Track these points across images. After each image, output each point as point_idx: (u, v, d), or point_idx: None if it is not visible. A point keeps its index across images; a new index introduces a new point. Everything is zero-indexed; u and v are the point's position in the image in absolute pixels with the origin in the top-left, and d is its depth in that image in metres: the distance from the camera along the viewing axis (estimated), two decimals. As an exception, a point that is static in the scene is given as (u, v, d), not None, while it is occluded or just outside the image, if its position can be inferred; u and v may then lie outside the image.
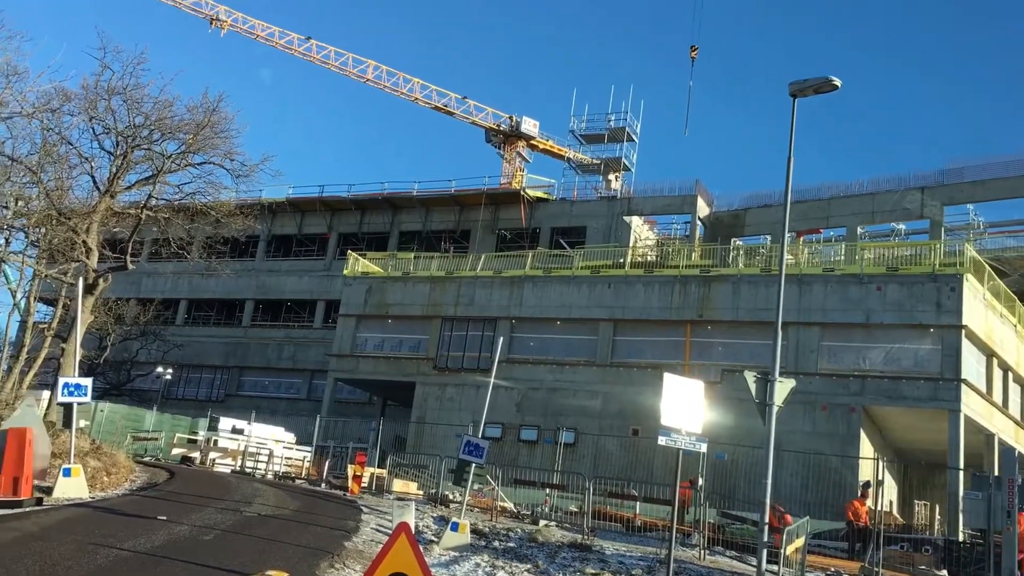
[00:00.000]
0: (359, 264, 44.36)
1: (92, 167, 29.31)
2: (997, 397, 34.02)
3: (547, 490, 26.99)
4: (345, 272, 44.41)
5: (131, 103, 28.36)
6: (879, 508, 22.16)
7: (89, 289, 27.09)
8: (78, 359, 19.63)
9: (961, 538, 26.51)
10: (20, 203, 28.60)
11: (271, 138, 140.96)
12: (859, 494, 24.57)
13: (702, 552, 19.32)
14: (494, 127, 60.95)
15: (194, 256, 34.65)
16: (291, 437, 38.98)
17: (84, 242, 27.88)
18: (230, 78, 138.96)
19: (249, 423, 36.71)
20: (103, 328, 47.06)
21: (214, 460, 35.18)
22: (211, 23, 61.75)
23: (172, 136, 29.46)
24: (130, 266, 30.85)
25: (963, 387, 30.32)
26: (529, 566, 14.48)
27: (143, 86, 28.44)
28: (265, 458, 33.98)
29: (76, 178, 30.09)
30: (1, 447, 15.04)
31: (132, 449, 33.49)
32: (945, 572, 19.51)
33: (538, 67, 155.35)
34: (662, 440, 12.98)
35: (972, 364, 32.04)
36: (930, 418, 31.55)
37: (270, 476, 32.27)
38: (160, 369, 51.30)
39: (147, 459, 33.31)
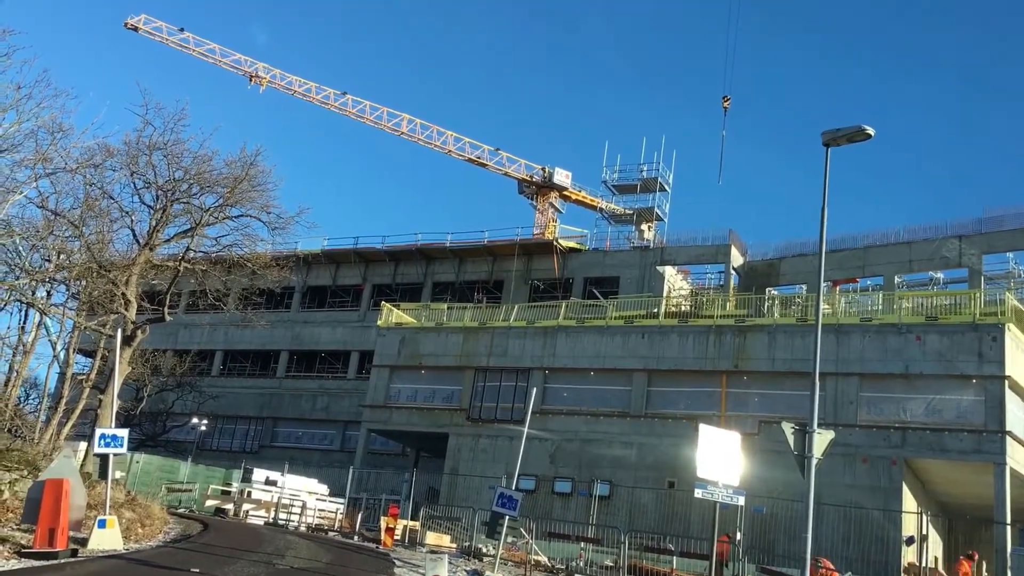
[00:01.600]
0: (393, 315, 44.55)
1: (132, 221, 29.96)
2: (1043, 449, 33.12)
3: (582, 544, 26.59)
4: (379, 323, 44.60)
5: (171, 158, 29.03)
6: (924, 564, 21.56)
7: (127, 341, 27.47)
8: (115, 410, 19.78)
9: (1009, 596, 25.68)
10: (62, 256, 29.21)
11: (307, 191, 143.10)
12: (967, 554, 23.70)
13: (741, 609, 18.87)
14: (527, 178, 61.38)
15: (230, 307, 35.06)
16: (324, 489, 38.88)
17: (123, 294, 28.33)
18: (267, 132, 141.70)
19: (282, 474, 36.71)
20: (140, 379, 47.57)
21: (247, 512, 35.14)
22: (250, 80, 63.14)
23: (210, 190, 30.05)
24: (167, 318, 31.28)
25: (1008, 439, 29.58)
26: (564, 622, 14.21)
27: (183, 141, 29.15)
28: (298, 510, 33.89)
29: (117, 231, 30.76)
30: (38, 498, 15.13)
31: (166, 500, 33.59)
32: (995, 632, 18.84)
33: (570, 119, 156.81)
34: (699, 493, 12.76)
35: (1017, 415, 31.29)
36: (974, 471, 30.76)
37: (303, 528, 32.14)
38: (195, 420, 51.65)
39: (181, 510, 33.36)
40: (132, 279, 29.05)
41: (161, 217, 29.56)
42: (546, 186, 60.58)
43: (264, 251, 32.36)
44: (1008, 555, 26.55)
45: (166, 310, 30.68)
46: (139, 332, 29.17)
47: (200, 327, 60.17)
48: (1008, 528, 28.02)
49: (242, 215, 30.65)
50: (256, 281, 33.01)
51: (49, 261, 29.53)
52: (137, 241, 30.04)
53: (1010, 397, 30.44)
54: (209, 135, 52.10)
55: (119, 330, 23.22)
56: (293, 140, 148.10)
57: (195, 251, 30.81)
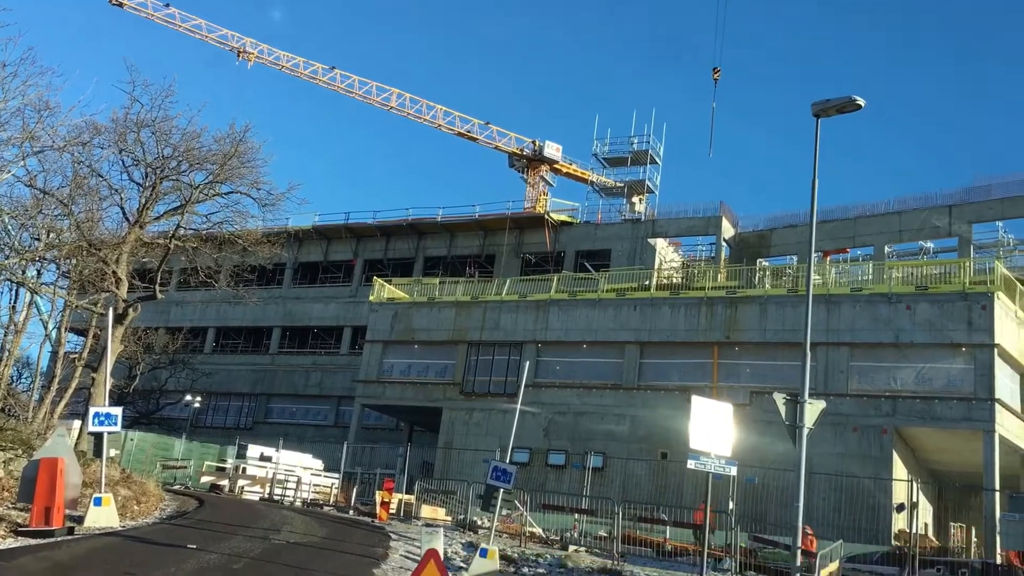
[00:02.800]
0: (385, 290, 44.55)
1: (122, 198, 29.76)
2: (1032, 416, 33.43)
3: (576, 515, 26.79)
4: (371, 298, 44.60)
5: (159, 135, 28.81)
6: (914, 531, 21.80)
7: (119, 319, 27.41)
8: (108, 388, 19.79)
9: (999, 560, 26.00)
10: (52, 235, 29.07)
11: (297, 167, 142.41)
12: None
13: (734, 577, 19.09)
14: (517, 152, 61.18)
15: (222, 284, 34.94)
16: (319, 464, 39.04)
17: (114, 272, 28.24)
18: (256, 109, 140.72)
19: (277, 450, 36.83)
20: (132, 357, 47.54)
21: (242, 488, 35.28)
22: (238, 55, 62.60)
23: (200, 167, 29.86)
24: (159, 295, 31.19)
25: (997, 407, 29.84)
26: (559, 592, 14.37)
27: (171, 118, 28.90)
28: (293, 485, 34.04)
29: (106, 210, 30.57)
30: (33, 477, 15.16)
31: (161, 477, 33.67)
32: (983, 596, 19.12)
33: (560, 92, 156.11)
34: (691, 464, 12.87)
35: (1006, 383, 31.55)
36: (964, 439, 31.06)
37: (298, 503, 32.31)
38: (188, 397, 51.68)
39: (176, 487, 33.47)
40: (123, 257, 28.93)
41: (150, 195, 29.40)
42: (537, 159, 60.43)
43: (255, 228, 32.22)
44: (997, 521, 26.86)
45: (157, 288, 30.58)
46: (131, 310, 29.09)
47: (192, 304, 60.13)
48: (997, 495, 28.35)
49: (232, 192, 30.49)
50: (247, 258, 32.92)
51: (38, 240, 29.37)
52: (127, 219, 29.89)
53: (999, 365, 30.68)
54: (197, 112, 50.98)
55: (110, 308, 23.17)
56: (282, 116, 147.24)
57: (185, 228, 30.68)
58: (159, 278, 30.81)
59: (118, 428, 18.05)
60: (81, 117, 27.56)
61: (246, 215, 31.01)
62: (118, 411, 17.83)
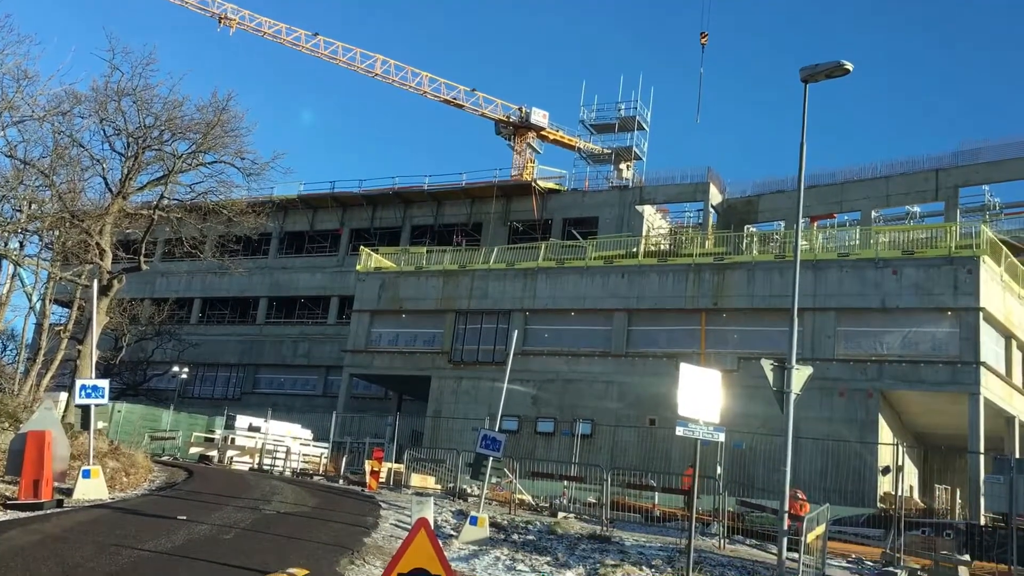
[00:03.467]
0: (372, 259, 44.39)
1: (104, 169, 29.47)
2: (1017, 379, 33.73)
3: (565, 482, 26.93)
4: (358, 268, 44.44)
5: (141, 104, 28.47)
6: (899, 493, 22.02)
7: (104, 290, 27.21)
8: (94, 360, 19.68)
9: (983, 522, 26.34)
10: (33, 206, 28.76)
11: (281, 136, 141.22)
12: None
13: (722, 541, 19.25)
14: (504, 119, 60.79)
15: (207, 255, 34.77)
16: (308, 434, 39.07)
17: (97, 244, 28.00)
18: (238, 77, 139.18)
19: (266, 420, 36.80)
20: (118, 329, 47.33)
21: (232, 458, 35.29)
22: (219, 22, 61.76)
23: (182, 136, 29.56)
24: (144, 267, 30.98)
25: (982, 370, 30.07)
26: (549, 559, 14.45)
27: (152, 87, 28.59)
28: (282, 455, 34.07)
29: (88, 180, 30.26)
30: (21, 450, 15.10)
31: (150, 449, 33.62)
32: (967, 556, 19.34)
33: (546, 58, 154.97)
34: (680, 431, 12.90)
35: (991, 346, 31.77)
36: (949, 402, 31.33)
37: (288, 473, 32.36)
38: (176, 368, 51.55)
39: (165, 458, 33.45)
40: (106, 228, 28.67)
41: (133, 165, 29.08)
42: (523, 126, 60.07)
43: (240, 197, 31.98)
44: (981, 483, 27.15)
45: (142, 259, 30.37)
46: (115, 281, 28.88)
47: (177, 275, 59.81)
48: (981, 457, 28.64)
49: (216, 161, 30.21)
50: (232, 228, 32.67)
51: (20, 211, 29.04)
52: (109, 190, 29.59)
53: (984, 328, 30.88)
54: (179, 80, 51.22)
55: (95, 280, 22.95)
56: (265, 84, 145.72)
57: (169, 199, 30.41)
58: (143, 249, 30.58)
59: (105, 400, 17.98)
60: (61, 86, 27.18)
61: (230, 185, 30.79)
62: (105, 383, 17.74)
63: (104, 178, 29.55)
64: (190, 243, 31.75)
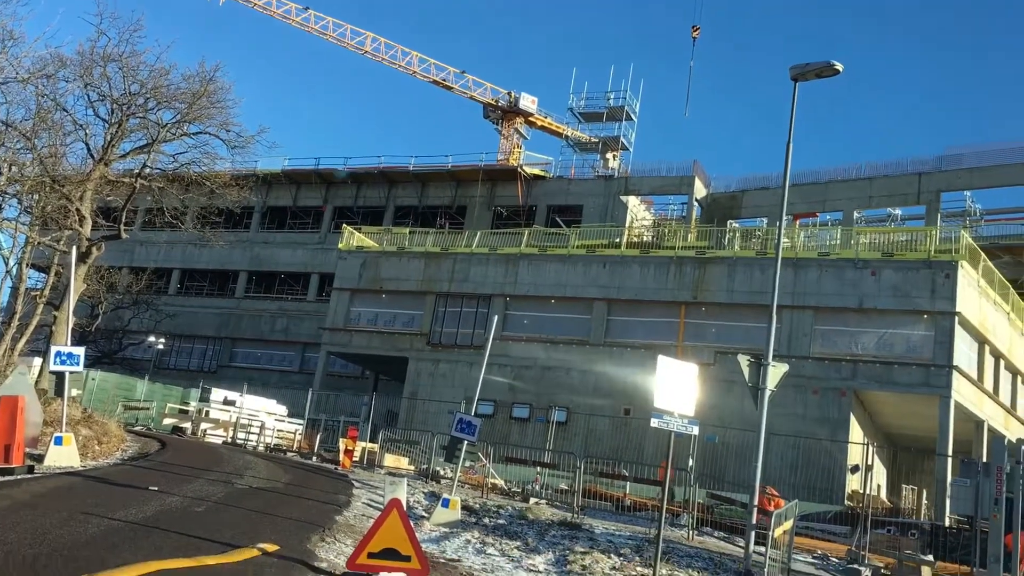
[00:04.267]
0: (354, 238, 44.24)
1: (87, 134, 29.16)
2: (988, 384, 34.16)
3: (538, 468, 27.07)
4: (340, 246, 44.29)
5: (127, 70, 28.19)
6: (867, 492, 22.28)
7: (82, 257, 26.98)
8: (70, 327, 19.53)
9: (948, 523, 26.69)
10: (13, 169, 28.42)
11: (267, 109, 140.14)
12: None
13: (691, 532, 19.42)
14: (492, 103, 60.61)
15: (188, 226, 34.49)
16: (283, 410, 38.98)
17: (77, 210, 27.75)
18: (226, 48, 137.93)
19: (241, 395, 36.68)
20: (95, 296, 46.93)
21: (205, 431, 35.18)
22: (209, -9, 61.13)
23: (168, 105, 29.29)
24: (123, 235, 30.71)
25: (955, 374, 30.43)
26: (519, 543, 14.53)
27: (139, 53, 28.31)
28: (257, 430, 34.00)
29: (70, 145, 29.93)
30: (-8, 414, 14.98)
31: (123, 418, 33.47)
32: (931, 557, 19.61)
33: (538, 44, 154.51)
34: (655, 422, 12.97)
35: (964, 351, 32.14)
36: (921, 404, 31.68)
37: (261, 448, 32.30)
38: (152, 339, 51.25)
39: (138, 428, 33.30)
40: (87, 194, 28.41)
41: (116, 131, 28.80)
42: (512, 111, 59.96)
43: (223, 170, 31.76)
44: (948, 485, 27.50)
45: (122, 227, 30.10)
46: (94, 249, 28.64)
47: (157, 245, 59.34)
48: (949, 460, 28.98)
49: (200, 132, 29.96)
50: (215, 200, 32.44)
51: (0, 174, 28.72)
52: (91, 155, 29.29)
53: (959, 333, 31.22)
54: (166, 48, 50.58)
55: (73, 246, 22.79)
56: (254, 57, 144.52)
57: (152, 167, 30.16)
58: (124, 217, 30.31)
59: (80, 368, 17.87)
60: (46, 49, 26.92)
61: (214, 156, 30.57)
62: (80, 351, 17.63)
63: (87, 144, 29.26)
64: (171, 213, 31.48)
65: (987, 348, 33.99)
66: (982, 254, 34.30)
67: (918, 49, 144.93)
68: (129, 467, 18.89)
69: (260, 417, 35.38)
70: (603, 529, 17.58)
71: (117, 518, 11.10)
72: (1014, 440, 29.79)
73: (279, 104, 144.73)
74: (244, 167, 40.72)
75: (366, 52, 61.25)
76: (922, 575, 17.57)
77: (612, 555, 13.96)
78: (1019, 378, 38.29)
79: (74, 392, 29.85)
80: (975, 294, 32.82)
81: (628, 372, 34.00)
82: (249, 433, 34.18)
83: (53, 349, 18.02)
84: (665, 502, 13.54)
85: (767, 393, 15.60)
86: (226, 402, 36.58)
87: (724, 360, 31.79)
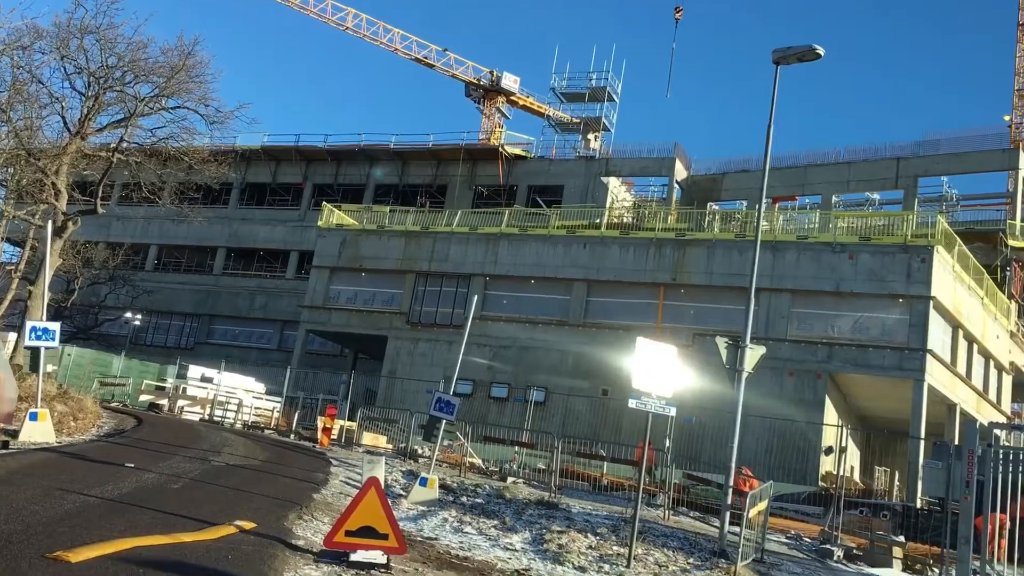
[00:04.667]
0: (334, 216, 44.02)
1: (63, 107, 28.84)
2: (961, 368, 34.58)
3: (516, 448, 27.19)
4: (319, 223, 44.06)
5: (104, 43, 27.86)
6: (841, 473, 22.54)
7: (58, 232, 26.74)
8: (46, 302, 19.37)
9: (919, 505, 27.06)
10: (-12, 142, 28.07)
11: (247, 85, 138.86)
12: None
13: (666, 512, 19.58)
14: (474, 81, 60.31)
15: (165, 202, 34.22)
16: (261, 387, 38.87)
17: (53, 184, 27.47)
18: (205, 22, 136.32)
19: (219, 372, 36.55)
20: (71, 271, 46.54)
21: (182, 408, 35.06)
22: (187, -37, 60.28)
23: (146, 79, 29.00)
24: (100, 209, 30.44)
25: (928, 357, 30.78)
26: (496, 522, 14.60)
27: (117, 26, 28.01)
28: (234, 407, 33.91)
29: (46, 118, 29.61)
30: (-34, 390, 14.87)
31: (99, 394, 33.27)
32: (902, 538, 19.90)
33: (521, 23, 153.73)
34: (632, 403, 13.03)
35: (938, 335, 32.50)
36: (895, 386, 32.04)
37: (239, 426, 32.23)
38: (129, 315, 50.87)
39: (114, 405, 33.12)
40: (63, 168, 28.11)
41: (93, 105, 28.49)
42: (494, 90, 59.69)
43: (202, 145, 31.49)
44: (920, 467, 27.86)
45: (98, 201, 29.83)
46: (70, 223, 28.38)
47: (134, 220, 58.66)
48: (921, 442, 29.36)
49: (179, 107, 29.72)
50: (193, 175, 32.21)
51: (-26, 146, 28.35)
52: (68, 129, 28.97)
53: (933, 317, 31.56)
54: (144, 21, 49.36)
55: (49, 221, 22.54)
56: (234, 32, 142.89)
57: (129, 142, 29.85)
58: (100, 192, 30.05)
59: (55, 343, 17.76)
60: (22, 19, 26.48)
61: (193, 132, 30.33)
62: (56, 326, 17.50)
63: (63, 117, 28.95)
64: (148, 188, 31.21)
65: (960, 332, 34.38)
66: (958, 239, 34.63)
67: (902, 33, 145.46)
68: (105, 443, 18.81)
69: (238, 394, 35.28)
70: (580, 509, 17.70)
71: (93, 494, 11.06)
72: (986, 423, 30.29)
73: (259, 80, 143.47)
74: (223, 143, 40.27)
75: (347, 28, 60.75)
76: (893, 555, 17.84)
77: (589, 534, 14.06)
78: (991, 362, 38.79)
79: (49, 368, 29.61)
80: (950, 279, 33.15)
81: (607, 353, 34.12)
82: (226, 410, 34.08)
83: (28, 324, 17.87)
84: (642, 482, 13.64)
85: (744, 375, 15.72)
86: (203, 379, 36.44)
87: (702, 342, 31.95)
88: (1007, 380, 41.27)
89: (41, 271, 24.64)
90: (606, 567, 11.99)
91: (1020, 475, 13.48)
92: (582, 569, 11.73)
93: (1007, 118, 55.61)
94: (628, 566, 12.12)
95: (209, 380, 36.18)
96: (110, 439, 19.99)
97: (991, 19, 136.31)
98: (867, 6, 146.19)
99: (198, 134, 30.65)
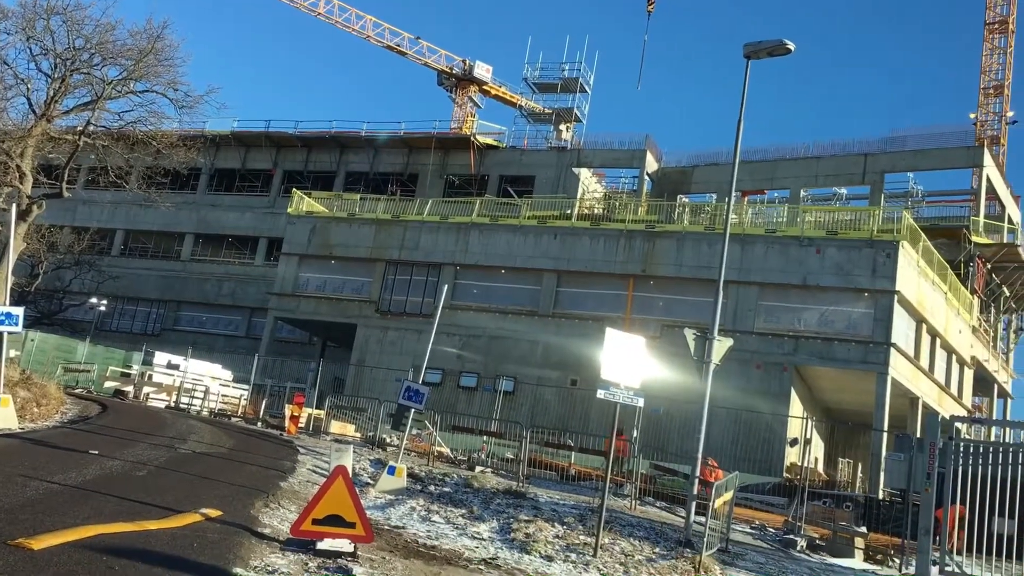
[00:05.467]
0: (304, 203, 43.72)
1: (28, 89, 28.39)
2: (924, 362, 35.11)
3: (484, 437, 27.22)
4: (289, 210, 43.75)
5: (71, 24, 27.45)
6: (805, 465, 22.84)
7: (22, 215, 26.32)
8: (9, 287, 19.11)
9: (881, 496, 27.50)
10: (-50, 122, 27.59)
11: (217, 70, 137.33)
12: None
13: (633, 502, 19.74)
14: (447, 70, 60.10)
15: (132, 186, 33.82)
16: (228, 375, 38.61)
17: (18, 166, 27.04)
18: (174, 6, 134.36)
19: (185, 359, 36.24)
20: (35, 255, 45.87)
21: (148, 395, 34.74)
22: (157, -56, 59.46)
23: (113, 61, 28.61)
24: (65, 193, 30.01)
25: (892, 351, 31.21)
26: (464, 511, 14.65)
27: (84, 7, 27.67)
28: (201, 395, 33.66)
29: (11, 100, 29.17)
30: (-74, 375, 14.65)
31: (63, 380, 32.85)
32: (864, 528, 20.22)
33: (494, 11, 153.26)
34: (601, 394, 13.11)
35: (902, 329, 32.97)
36: (859, 379, 32.46)
37: (205, 413, 32.01)
38: (94, 300, 50.21)
39: (79, 391, 32.74)
40: (27, 151, 27.68)
41: (59, 87, 28.05)
42: (466, 79, 59.53)
43: (170, 130, 31.16)
44: (883, 459, 28.31)
45: (64, 185, 29.39)
46: (35, 207, 27.96)
47: (100, 205, 57.86)
48: (884, 435, 29.81)
49: (147, 91, 29.35)
50: (161, 160, 31.86)
51: (-65, 127, 27.86)
52: (33, 111, 28.51)
53: (898, 311, 32.00)
54: (112, 2, 49.13)
55: (13, 204, 22.20)
56: (204, 17, 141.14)
57: (96, 125, 29.43)
58: (66, 175, 29.60)
59: (18, 328, 17.52)
60: (-15, -1, 25.95)
61: (161, 116, 30.00)
62: (19, 311, 17.27)
63: (28, 99, 28.49)
64: (115, 172, 30.80)
65: (924, 327, 34.89)
66: (922, 235, 35.12)
67: (872, 30, 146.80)
68: (69, 430, 18.61)
69: (204, 382, 35.02)
70: (548, 498, 17.80)
71: (56, 481, 10.96)
72: (947, 416, 30.75)
73: (230, 66, 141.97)
74: (192, 127, 39.94)
75: (319, 14, 60.23)
76: (856, 546, 18.13)
77: (556, 524, 14.15)
78: (954, 357, 39.44)
79: (12, 353, 29.17)
80: (914, 274, 33.61)
81: (576, 343, 34.25)
82: (193, 398, 33.82)
83: (-9, 309, 17.59)
84: (609, 473, 13.74)
85: (712, 367, 15.86)
86: (170, 366, 36.12)
87: (670, 333, 32.15)
88: (968, 374, 42.00)
89: (4, 255, 24.27)
90: (572, 556, 12.08)
91: (980, 468, 13.74)
92: (549, 558, 11.81)
93: (972, 116, 56.39)
94: (595, 555, 12.22)
95: (176, 367, 35.86)
96: (74, 426, 19.79)
97: (959, 18, 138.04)
98: (839, 3, 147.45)
99: (166, 118, 30.36)
